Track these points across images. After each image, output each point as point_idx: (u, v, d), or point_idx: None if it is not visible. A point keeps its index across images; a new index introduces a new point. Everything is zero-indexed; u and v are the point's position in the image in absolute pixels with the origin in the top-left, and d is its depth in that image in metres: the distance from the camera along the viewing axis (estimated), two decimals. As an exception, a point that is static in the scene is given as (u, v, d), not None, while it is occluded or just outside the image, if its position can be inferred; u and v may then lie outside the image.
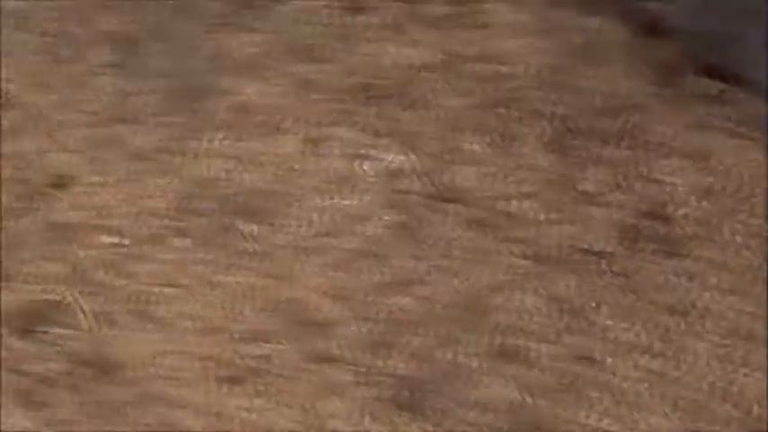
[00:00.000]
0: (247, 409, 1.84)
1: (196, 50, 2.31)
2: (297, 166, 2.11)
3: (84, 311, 1.97)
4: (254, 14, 2.36)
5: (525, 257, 1.99)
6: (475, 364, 1.89)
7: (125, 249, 2.02)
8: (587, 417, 1.80)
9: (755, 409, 1.79)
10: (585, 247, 2.00)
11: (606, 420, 1.80)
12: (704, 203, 2.01)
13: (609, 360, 1.87)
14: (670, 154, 2.08)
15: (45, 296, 1.98)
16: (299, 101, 2.20)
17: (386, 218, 2.04)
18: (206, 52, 2.31)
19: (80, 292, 1.99)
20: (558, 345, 1.90)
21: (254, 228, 2.04)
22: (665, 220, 2.00)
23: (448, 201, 2.06)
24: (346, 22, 2.33)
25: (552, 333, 1.91)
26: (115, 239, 2.03)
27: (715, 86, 2.16)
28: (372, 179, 2.09)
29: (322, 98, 2.21)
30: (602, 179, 2.07)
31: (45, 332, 1.95)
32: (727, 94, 2.15)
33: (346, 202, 2.06)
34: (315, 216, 2.05)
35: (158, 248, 2.02)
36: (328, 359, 1.90)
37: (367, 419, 1.82)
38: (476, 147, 2.13)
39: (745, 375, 1.82)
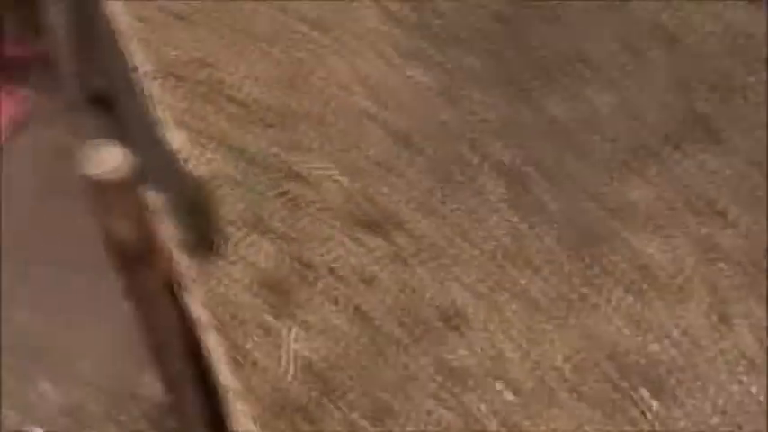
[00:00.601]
0: None
1: (592, 195, 2.23)
2: (702, 340, 2.00)
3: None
4: (654, 163, 2.27)
5: None
6: None
7: (519, 404, 1.94)
8: None
9: None
10: None
11: None
12: None
13: None
14: None
15: (434, 442, 1.91)
16: (704, 265, 2.10)
17: (797, 411, 1.91)
18: (602, 198, 2.22)
19: (472, 444, 1.91)
20: None
21: (653, 402, 1.93)
22: None
23: None
24: (751, 179, 2.22)
25: None
26: (509, 392, 1.95)
27: None
28: (784, 364, 1.97)
29: (727, 265, 2.10)
30: None
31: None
32: None
33: (753, 388, 1.94)
34: (719, 399, 1.93)
35: (553, 408, 1.94)
36: None
37: None
38: None
39: None
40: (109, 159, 1.92)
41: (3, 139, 2.76)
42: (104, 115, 2.77)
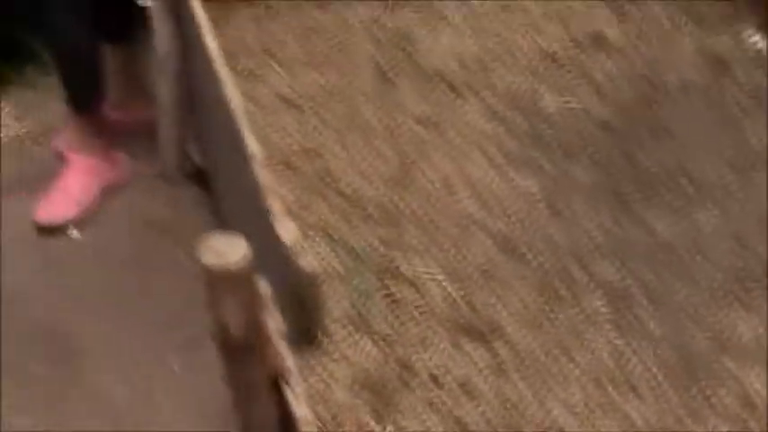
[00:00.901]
0: None
1: (695, 320, 2.22)
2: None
3: None
4: (759, 293, 2.26)
5: None
6: None
7: None
8: None
9: None
10: None
11: None
12: None
13: None
14: None
15: None
16: (808, 404, 2.08)
17: None
18: (706, 325, 2.21)
19: None
20: None
21: None
22: None
23: None
24: None
25: None
26: None
27: None
28: None
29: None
30: None
31: None
32: None
33: None
34: None
35: None
36: None
37: None
38: None
39: None
40: (226, 250, 1.91)
41: (97, 202, 2.77)
42: (199, 189, 2.78)
